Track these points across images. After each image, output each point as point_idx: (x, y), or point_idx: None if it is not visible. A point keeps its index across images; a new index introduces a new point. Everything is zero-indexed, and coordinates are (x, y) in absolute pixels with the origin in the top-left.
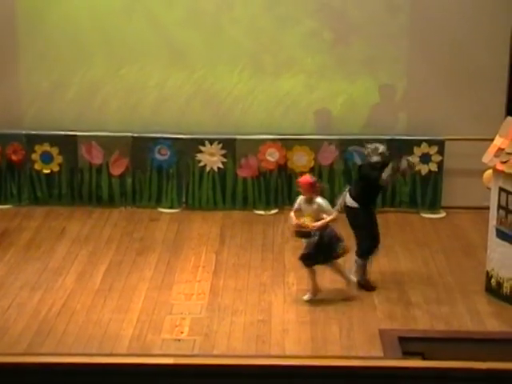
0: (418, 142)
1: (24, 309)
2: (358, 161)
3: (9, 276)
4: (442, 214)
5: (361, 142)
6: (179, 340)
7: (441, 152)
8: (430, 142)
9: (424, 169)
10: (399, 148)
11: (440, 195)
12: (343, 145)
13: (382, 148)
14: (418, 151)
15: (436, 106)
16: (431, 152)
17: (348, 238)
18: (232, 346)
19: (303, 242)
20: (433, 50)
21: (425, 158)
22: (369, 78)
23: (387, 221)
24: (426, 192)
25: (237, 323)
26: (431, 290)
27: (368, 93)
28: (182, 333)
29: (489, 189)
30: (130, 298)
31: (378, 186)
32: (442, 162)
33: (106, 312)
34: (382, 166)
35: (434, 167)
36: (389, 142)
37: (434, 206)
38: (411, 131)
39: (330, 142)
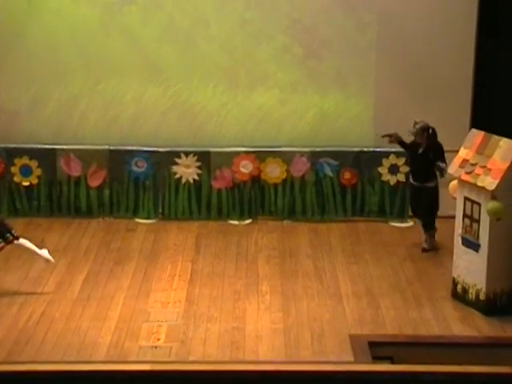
0: (387, 154)
1: (3, 318)
2: (329, 172)
3: None
4: (410, 223)
5: (331, 154)
6: (156, 347)
7: (407, 163)
8: (398, 154)
9: (392, 179)
10: (368, 160)
11: (407, 205)
12: (314, 156)
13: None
14: (386, 163)
15: (403, 119)
16: (399, 163)
17: None
18: (207, 352)
19: None
20: (399, 64)
21: (393, 169)
22: (339, 92)
23: (357, 230)
24: (395, 202)
25: (212, 330)
26: (400, 297)
27: (338, 106)
28: (158, 340)
29: (454, 198)
30: (107, 307)
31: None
32: (409, 172)
33: (84, 320)
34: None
35: (401, 178)
36: (358, 154)
37: (402, 215)
38: (380, 143)
39: (302, 153)
